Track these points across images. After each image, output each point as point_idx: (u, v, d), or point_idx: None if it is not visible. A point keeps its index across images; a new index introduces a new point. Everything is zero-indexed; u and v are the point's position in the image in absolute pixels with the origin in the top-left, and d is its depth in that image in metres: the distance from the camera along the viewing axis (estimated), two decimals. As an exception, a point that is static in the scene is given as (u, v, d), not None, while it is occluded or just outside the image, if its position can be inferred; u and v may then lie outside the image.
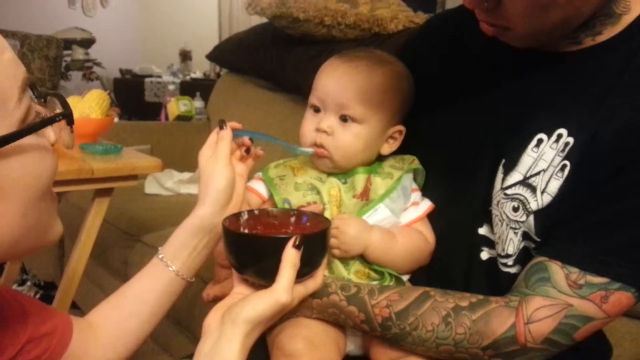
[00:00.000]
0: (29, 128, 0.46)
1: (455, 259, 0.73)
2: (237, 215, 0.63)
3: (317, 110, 0.75)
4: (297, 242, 0.56)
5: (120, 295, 0.71)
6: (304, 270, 0.58)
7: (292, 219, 0.65)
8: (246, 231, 0.63)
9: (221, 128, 0.69)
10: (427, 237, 0.75)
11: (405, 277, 0.75)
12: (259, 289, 0.59)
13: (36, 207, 0.48)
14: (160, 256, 0.70)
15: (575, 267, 0.59)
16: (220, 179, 0.66)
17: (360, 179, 0.74)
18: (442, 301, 0.63)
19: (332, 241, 0.67)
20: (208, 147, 0.69)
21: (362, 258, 0.72)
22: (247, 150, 0.72)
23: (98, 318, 0.71)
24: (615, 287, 0.58)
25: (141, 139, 2.20)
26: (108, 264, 1.71)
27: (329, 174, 0.75)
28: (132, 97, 4.38)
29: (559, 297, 0.59)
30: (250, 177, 0.78)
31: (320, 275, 0.62)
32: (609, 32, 0.63)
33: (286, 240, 0.56)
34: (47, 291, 2.00)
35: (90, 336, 0.69)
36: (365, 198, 0.73)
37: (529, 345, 0.60)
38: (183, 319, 1.36)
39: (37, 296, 1.98)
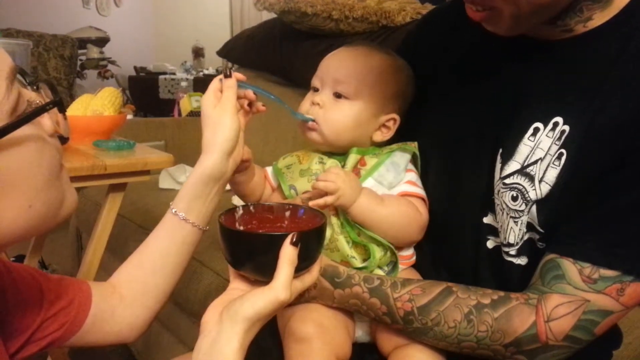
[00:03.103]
0: (19, 120, 0.45)
1: (463, 248, 0.74)
2: (233, 211, 0.63)
3: (316, 90, 0.78)
4: (294, 239, 0.55)
5: (140, 254, 0.73)
6: (301, 266, 0.57)
7: (287, 213, 0.64)
8: (241, 227, 0.62)
9: (226, 76, 0.69)
10: (419, 208, 0.74)
11: (407, 252, 0.76)
12: (255, 284, 0.59)
13: (42, 197, 0.48)
14: (173, 211, 0.70)
15: (587, 262, 0.59)
16: (228, 129, 0.66)
17: (352, 158, 0.76)
18: (464, 298, 0.63)
19: (329, 185, 0.67)
20: (212, 94, 0.68)
21: (350, 226, 0.71)
22: (250, 105, 0.72)
23: (121, 279, 0.72)
24: (629, 279, 0.58)
25: (155, 135, 2.23)
26: (124, 257, 1.71)
27: (330, 155, 0.77)
28: (146, 94, 4.43)
29: (576, 293, 0.60)
30: (261, 165, 0.81)
31: (316, 269, 0.62)
32: (600, 18, 0.62)
33: (283, 237, 0.55)
34: (66, 285, 2.05)
35: (115, 298, 0.71)
36: (357, 176, 0.74)
37: (550, 343, 0.60)
38: (196, 310, 1.39)
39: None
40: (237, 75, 0.69)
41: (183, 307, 1.44)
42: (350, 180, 0.69)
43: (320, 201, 0.67)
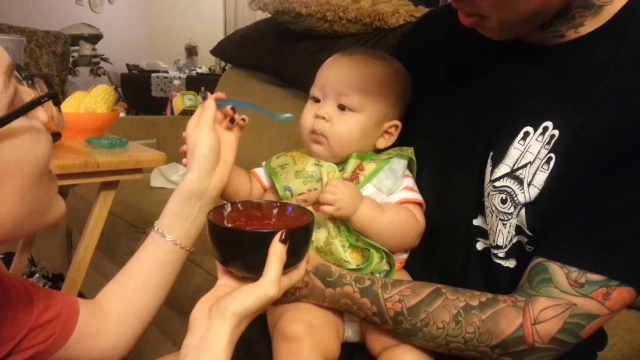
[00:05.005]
0: (16, 111, 0.47)
1: (453, 250, 0.74)
2: (221, 208, 0.63)
3: (317, 101, 0.78)
4: (283, 237, 0.56)
5: (124, 272, 0.73)
6: (289, 262, 0.58)
7: (275, 211, 0.65)
8: (229, 224, 0.63)
9: (204, 99, 0.72)
10: (416, 216, 0.75)
11: (403, 256, 0.76)
12: (244, 281, 0.60)
13: (34, 190, 0.49)
14: (156, 229, 0.72)
15: (574, 267, 0.60)
16: (203, 145, 0.69)
17: (352, 163, 0.76)
18: (453, 299, 0.64)
19: (328, 196, 0.68)
20: (194, 117, 0.72)
21: (349, 231, 0.72)
22: (232, 120, 0.74)
23: (106, 297, 0.73)
24: (615, 284, 0.59)
25: (147, 133, 2.22)
26: (115, 255, 1.74)
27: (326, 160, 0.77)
28: (139, 92, 4.41)
29: (563, 297, 0.60)
30: (255, 164, 0.81)
31: (303, 266, 0.63)
32: (592, 24, 0.63)
33: (272, 234, 0.56)
34: (56, 283, 2.03)
35: (100, 315, 0.71)
36: (356, 181, 0.75)
37: (537, 345, 0.61)
38: (187, 308, 1.39)
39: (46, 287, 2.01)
40: (217, 94, 0.73)
41: (173, 305, 1.43)
42: (351, 192, 0.69)
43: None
